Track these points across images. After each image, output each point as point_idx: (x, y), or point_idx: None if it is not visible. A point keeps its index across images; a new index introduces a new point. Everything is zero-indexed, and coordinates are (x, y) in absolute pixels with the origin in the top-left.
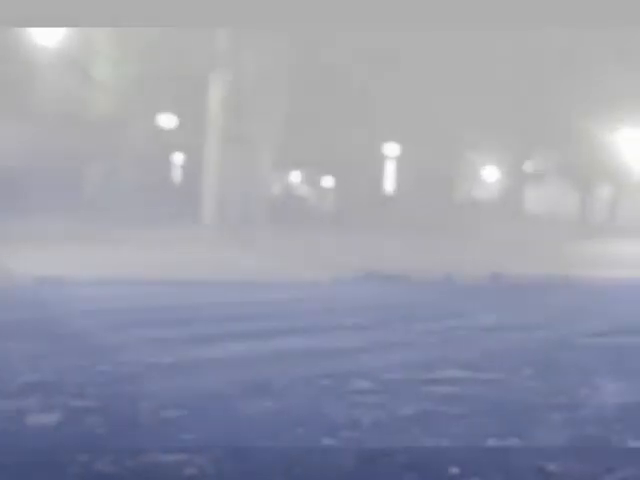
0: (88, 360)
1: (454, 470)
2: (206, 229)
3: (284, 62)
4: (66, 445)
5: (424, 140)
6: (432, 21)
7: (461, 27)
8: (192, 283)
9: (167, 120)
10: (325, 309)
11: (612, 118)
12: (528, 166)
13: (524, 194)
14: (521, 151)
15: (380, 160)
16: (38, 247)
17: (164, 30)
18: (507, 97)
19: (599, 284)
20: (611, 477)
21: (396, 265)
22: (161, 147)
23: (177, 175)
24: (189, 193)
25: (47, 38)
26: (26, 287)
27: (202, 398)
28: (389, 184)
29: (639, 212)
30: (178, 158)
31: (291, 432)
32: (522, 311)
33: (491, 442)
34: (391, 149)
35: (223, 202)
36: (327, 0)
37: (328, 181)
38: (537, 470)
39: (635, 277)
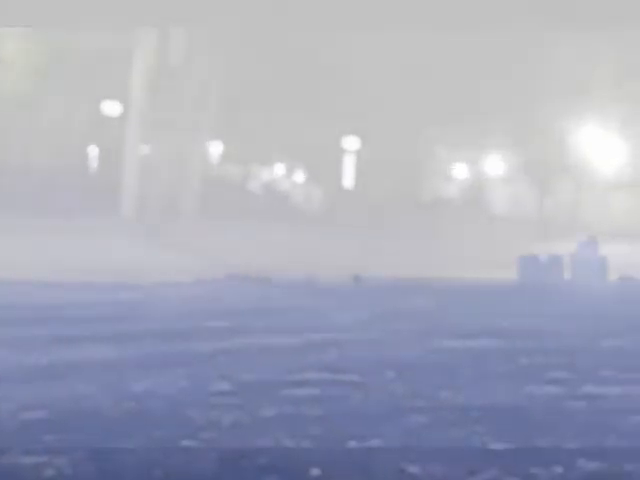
0: None
1: (315, 471)
2: (113, 222)
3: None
4: None
5: (385, 134)
6: (393, 20)
7: (427, 26)
8: (58, 281)
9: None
10: (184, 310)
11: (576, 116)
12: (492, 164)
13: (487, 193)
14: (485, 149)
15: (339, 154)
16: None
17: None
18: (472, 94)
19: (465, 286)
20: (473, 479)
21: (266, 266)
22: (80, 134)
23: (99, 164)
24: (109, 183)
25: None
26: None
27: (62, 399)
28: (348, 179)
29: (601, 212)
30: (100, 146)
31: (151, 434)
32: (383, 313)
33: (352, 444)
34: (350, 143)
35: (144, 194)
36: None
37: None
38: (399, 472)
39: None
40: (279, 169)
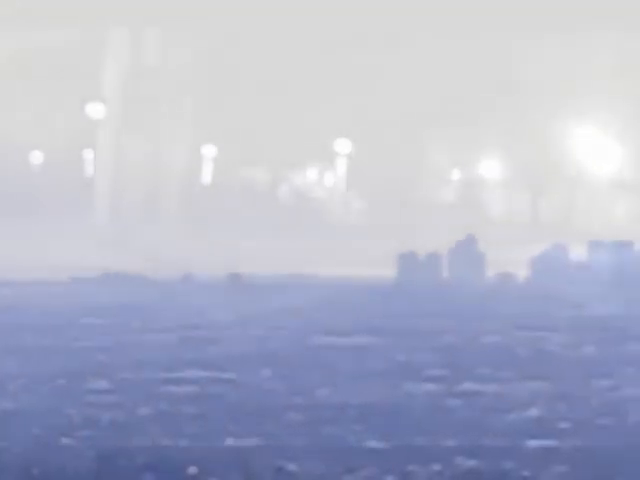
0: None
1: (192, 470)
2: (81, 224)
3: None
4: None
5: (378, 138)
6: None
7: (418, 25)
8: None
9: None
10: (59, 307)
11: (570, 117)
12: (486, 168)
13: (481, 195)
14: (479, 152)
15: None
16: None
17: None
18: (467, 96)
19: (343, 284)
20: (351, 477)
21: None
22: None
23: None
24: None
25: None
26: None
27: None
28: (339, 182)
29: (597, 213)
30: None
31: (28, 432)
32: (260, 311)
33: (230, 442)
34: (342, 146)
35: (118, 196)
36: None
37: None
38: (276, 470)
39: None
40: (262, 171)
